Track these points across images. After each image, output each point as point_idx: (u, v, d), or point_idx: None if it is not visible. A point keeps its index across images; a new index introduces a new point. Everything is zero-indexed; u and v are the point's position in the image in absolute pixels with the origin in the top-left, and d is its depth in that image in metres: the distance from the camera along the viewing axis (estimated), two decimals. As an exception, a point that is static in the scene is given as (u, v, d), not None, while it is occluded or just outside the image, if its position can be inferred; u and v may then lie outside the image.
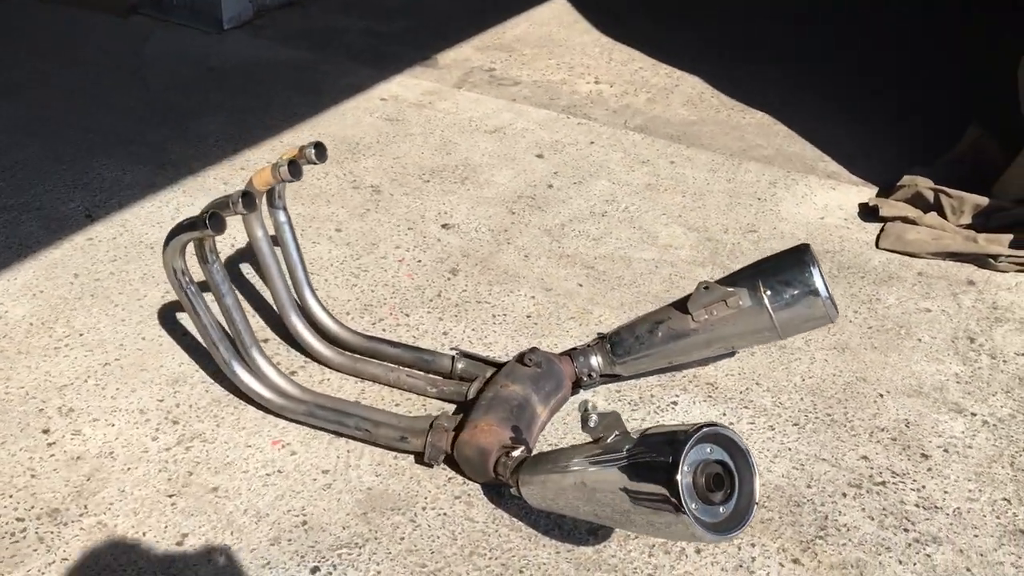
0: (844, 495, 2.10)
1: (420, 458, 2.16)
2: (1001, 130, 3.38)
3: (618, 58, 4.45)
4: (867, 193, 3.36)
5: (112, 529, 1.99)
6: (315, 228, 3.04)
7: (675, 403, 2.36)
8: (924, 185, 3.15)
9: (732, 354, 2.47)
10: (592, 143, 3.67)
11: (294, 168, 2.20)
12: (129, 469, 2.14)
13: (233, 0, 4.49)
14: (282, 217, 2.42)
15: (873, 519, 2.04)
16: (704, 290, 2.13)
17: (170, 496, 2.07)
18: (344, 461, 2.17)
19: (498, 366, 2.32)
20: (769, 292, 2.10)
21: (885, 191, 3.30)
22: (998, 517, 2.06)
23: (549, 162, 3.51)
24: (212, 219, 1.96)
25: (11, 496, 2.06)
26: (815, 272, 2.09)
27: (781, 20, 4.92)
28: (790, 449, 2.22)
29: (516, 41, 4.59)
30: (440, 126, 3.76)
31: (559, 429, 2.27)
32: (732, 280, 2.17)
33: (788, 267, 2.11)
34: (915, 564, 1.93)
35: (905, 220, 3.10)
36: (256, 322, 2.60)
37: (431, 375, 2.39)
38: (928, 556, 1.95)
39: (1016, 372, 2.50)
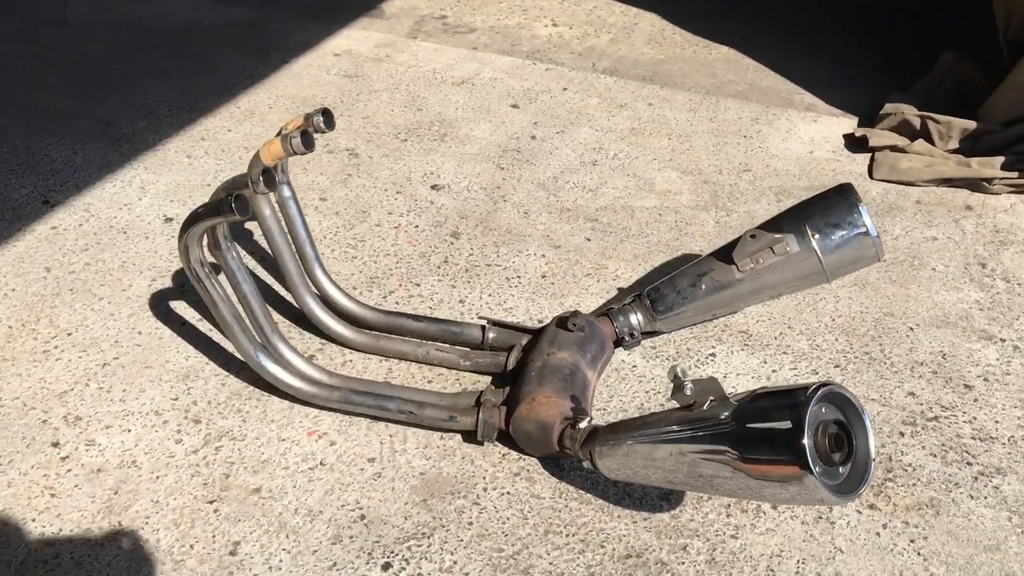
0: (901, 434, 2.09)
1: (469, 436, 2.06)
2: (972, 54, 3.40)
3: (572, -2, 4.32)
4: (848, 123, 3.35)
5: (155, 545, 1.84)
6: (302, 201, 2.86)
7: (713, 355, 2.31)
8: (910, 112, 3.15)
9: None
10: (565, 89, 3.55)
11: (307, 139, 2.03)
12: (158, 477, 1.98)
13: (158, -44, 4.17)
14: (287, 192, 2.25)
15: (935, 456, 2.04)
16: (751, 239, 2.07)
17: (211, 502, 1.93)
18: (389, 447, 2.05)
19: (532, 332, 2.23)
20: (818, 235, 2.05)
21: (869, 120, 3.29)
22: (1048, 441, 2.09)
23: (526, 112, 3.39)
24: (237, 202, 1.79)
25: (33, 520, 1.88)
26: (864, 212, 2.04)
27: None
28: (838, 392, 2.19)
29: (463, -14, 4.41)
30: (404, 80, 3.58)
31: (603, 393, 2.20)
32: (776, 226, 2.11)
33: (835, 209, 2.07)
34: (986, 498, 1.94)
35: (894, 149, 3.10)
36: (261, 305, 2.43)
37: (461, 347, 2.28)
38: (996, 488, 1.96)
39: (1032, 295, 2.53)
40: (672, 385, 1.61)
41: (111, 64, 3.60)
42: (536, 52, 3.82)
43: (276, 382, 2.07)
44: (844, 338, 2.36)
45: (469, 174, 3.01)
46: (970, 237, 2.75)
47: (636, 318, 2.20)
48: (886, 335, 2.38)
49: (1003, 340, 2.37)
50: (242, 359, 2.10)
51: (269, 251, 2.31)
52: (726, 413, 1.54)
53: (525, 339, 2.22)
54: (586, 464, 1.86)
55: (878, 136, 3.14)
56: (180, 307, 2.43)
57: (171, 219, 2.76)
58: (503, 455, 2.03)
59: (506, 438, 2.03)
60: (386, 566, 1.80)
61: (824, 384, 1.45)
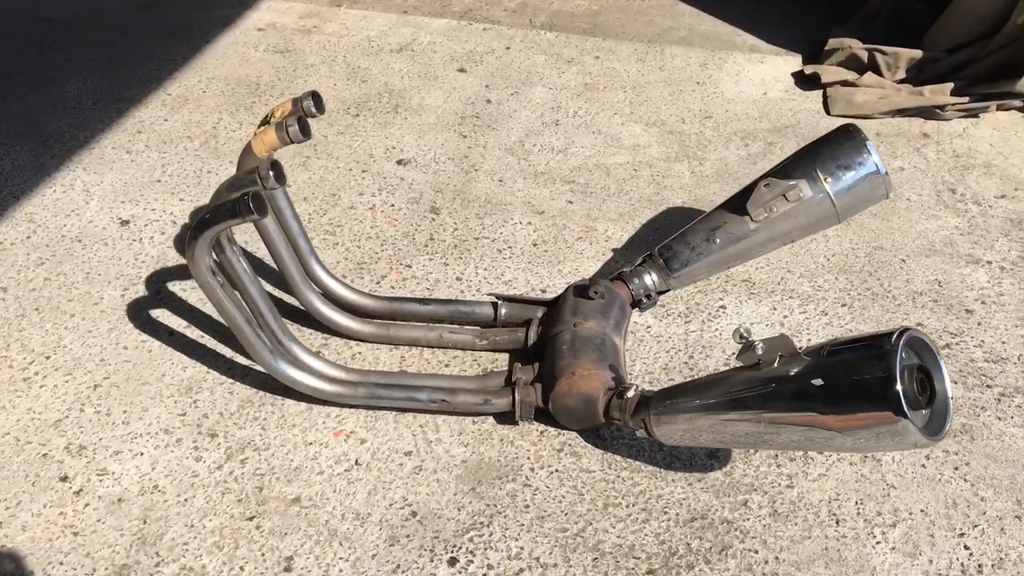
0: (920, 365, 2.14)
1: (501, 418, 2.01)
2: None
3: (492, -47, 4.20)
4: (794, 62, 3.38)
5: (201, 572, 1.73)
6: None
7: (723, 307, 2.31)
8: (857, 46, 3.20)
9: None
10: (508, 49, 3.47)
11: (303, 126, 1.91)
12: (186, 500, 1.86)
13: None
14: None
15: (956, 383, 2.09)
16: (765, 188, 2.06)
17: (250, 519, 1.82)
18: (423, 438, 1.98)
19: (546, 304, 2.18)
20: (830, 178, 2.06)
21: (815, 57, 3.33)
22: (1050, 356, 2.18)
23: (475, 76, 3.29)
24: (255, 200, 1.67)
25: (61, 563, 1.74)
26: (873, 150, 2.06)
27: None
28: (851, 331, 2.23)
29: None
30: (339, 51, 3.43)
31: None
32: (785, 173, 2.11)
33: (844, 150, 2.08)
34: (1012, 418, 2.01)
35: (845, 84, 3.15)
36: (251, 305, 2.30)
37: (473, 327, 2.21)
38: (1019, 407, 2.03)
39: (1004, 215, 2.62)
40: (740, 346, 1.59)
41: (21, 59, 3.32)
42: (469, 12, 3.71)
43: (299, 386, 1.96)
44: (843, 276, 2.40)
45: (432, 145, 2.92)
46: (934, 165, 2.83)
47: (651, 278, 2.18)
48: (881, 269, 2.42)
49: (989, 263, 2.45)
50: (259, 366, 1.98)
51: (256, 247, 2.18)
52: (801, 369, 1.53)
53: (540, 312, 2.17)
54: (640, 433, 1.84)
55: (829, 72, 3.18)
56: (163, 316, 2.28)
57: (127, 221, 2.58)
58: (541, 432, 1.99)
59: (541, 414, 1.98)
60: (452, 561, 1.74)
61: (905, 330, 1.46)
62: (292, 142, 1.91)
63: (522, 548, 1.76)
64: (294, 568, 1.73)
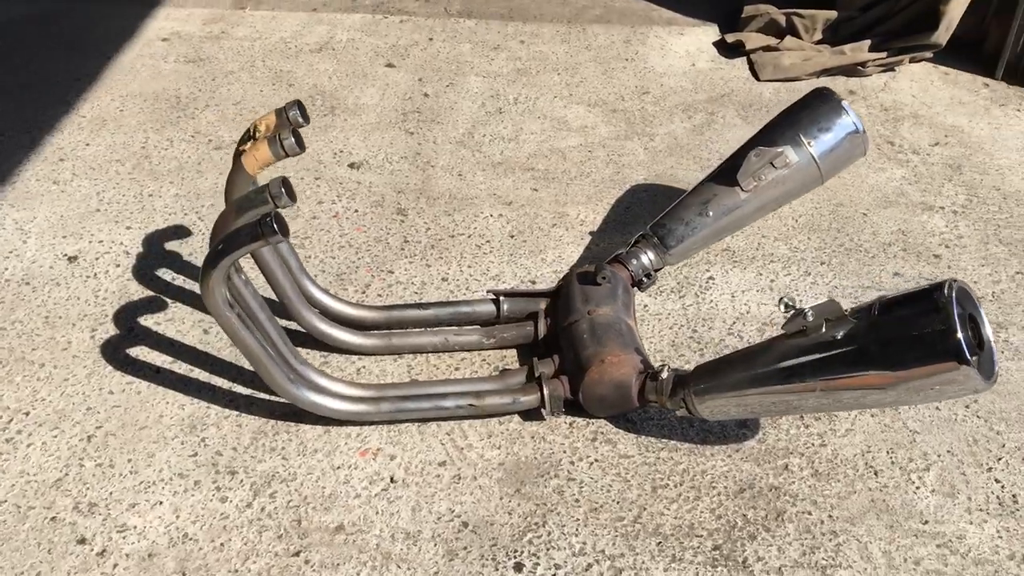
0: (908, 313, 2.24)
1: (526, 415, 1.99)
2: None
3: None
4: (712, 32, 3.46)
5: (260, 618, 1.65)
6: (210, 208, 2.57)
7: (712, 278, 2.35)
8: (775, 12, 3.29)
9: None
10: (431, 40, 3.41)
11: (299, 139, 1.83)
12: (222, 544, 1.76)
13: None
14: (260, 201, 2.01)
15: (945, 326, 2.20)
16: (755, 158, 2.10)
17: (296, 554, 1.74)
18: (453, 446, 1.94)
19: (548, 295, 2.17)
20: (813, 142, 2.12)
21: (733, 25, 3.41)
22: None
23: (404, 70, 3.22)
24: (278, 222, 1.59)
25: (105, 632, 1.62)
26: (850, 111, 2.13)
27: None
28: (836, 287, 2.31)
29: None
30: (256, 56, 3.29)
31: (631, 338, 2.18)
32: (768, 140, 2.15)
33: (823, 113, 2.14)
34: (1003, 352, 2.13)
35: (767, 49, 3.24)
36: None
37: (477, 327, 2.17)
38: (1007, 341, 2.16)
39: (943, 161, 2.76)
40: (788, 316, 1.62)
41: (-96, 92, 3.04)
42: (381, 5, 3.62)
43: (322, 411, 1.88)
44: (815, 235, 2.48)
45: (381, 145, 2.84)
46: (867, 120, 2.95)
47: (648, 257, 2.19)
48: (847, 224, 2.52)
49: (942, 208, 2.58)
50: (281, 396, 1.88)
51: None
52: (849, 330, 1.58)
53: (544, 303, 2.15)
54: (679, 412, 1.85)
55: (751, 39, 3.27)
56: (143, 353, 2.14)
57: (74, 258, 2.41)
58: (570, 424, 1.98)
59: (568, 406, 1.97)
60: (518, 567, 1.72)
61: (953, 281, 1.52)
62: (288, 156, 1.82)
63: (584, 543, 1.75)
64: (357, 598, 1.67)
